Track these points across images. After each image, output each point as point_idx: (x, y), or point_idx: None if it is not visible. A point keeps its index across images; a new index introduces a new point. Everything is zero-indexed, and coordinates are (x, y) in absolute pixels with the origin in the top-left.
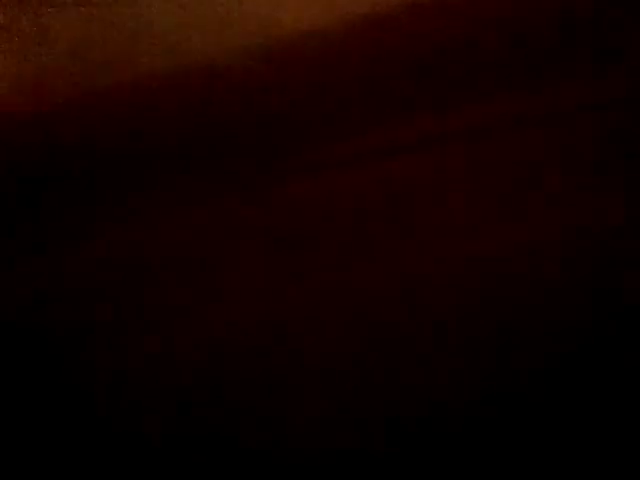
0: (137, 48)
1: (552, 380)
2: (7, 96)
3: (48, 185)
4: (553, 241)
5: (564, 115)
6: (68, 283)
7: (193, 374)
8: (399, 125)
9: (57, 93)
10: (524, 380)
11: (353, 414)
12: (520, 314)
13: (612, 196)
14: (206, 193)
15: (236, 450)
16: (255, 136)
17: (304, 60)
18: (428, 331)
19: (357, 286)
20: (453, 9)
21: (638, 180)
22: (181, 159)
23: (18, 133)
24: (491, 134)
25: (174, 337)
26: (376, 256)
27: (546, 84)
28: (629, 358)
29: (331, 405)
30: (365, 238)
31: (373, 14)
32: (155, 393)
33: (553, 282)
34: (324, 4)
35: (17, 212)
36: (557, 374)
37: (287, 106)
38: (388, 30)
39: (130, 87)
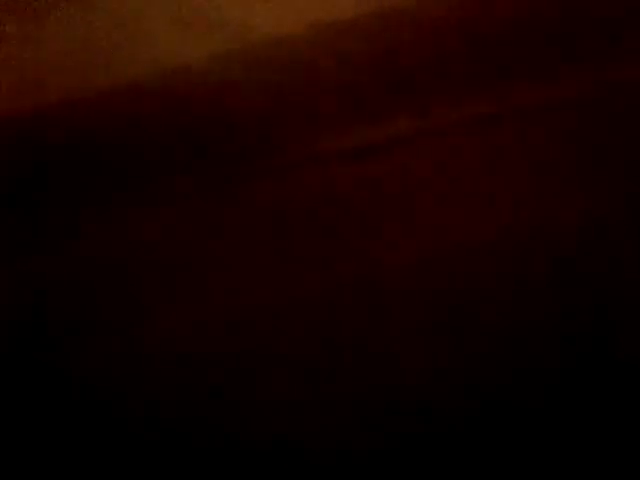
0: (118, 54)
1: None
2: None
3: (31, 186)
4: (520, 241)
5: (531, 115)
6: (50, 281)
7: (168, 369)
8: (370, 127)
9: (38, 98)
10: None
11: (325, 405)
12: (488, 311)
13: (573, 196)
14: (184, 193)
15: (210, 441)
16: (232, 137)
17: (279, 64)
18: (398, 328)
19: (335, 282)
20: (421, 16)
21: (598, 180)
22: (160, 161)
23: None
24: (460, 135)
25: (152, 334)
26: (351, 254)
27: (513, 86)
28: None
29: (305, 399)
30: (341, 237)
31: (344, 21)
32: (129, 388)
33: (520, 281)
34: (299, 11)
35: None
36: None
37: (262, 109)
38: (358, 36)
39: (111, 92)
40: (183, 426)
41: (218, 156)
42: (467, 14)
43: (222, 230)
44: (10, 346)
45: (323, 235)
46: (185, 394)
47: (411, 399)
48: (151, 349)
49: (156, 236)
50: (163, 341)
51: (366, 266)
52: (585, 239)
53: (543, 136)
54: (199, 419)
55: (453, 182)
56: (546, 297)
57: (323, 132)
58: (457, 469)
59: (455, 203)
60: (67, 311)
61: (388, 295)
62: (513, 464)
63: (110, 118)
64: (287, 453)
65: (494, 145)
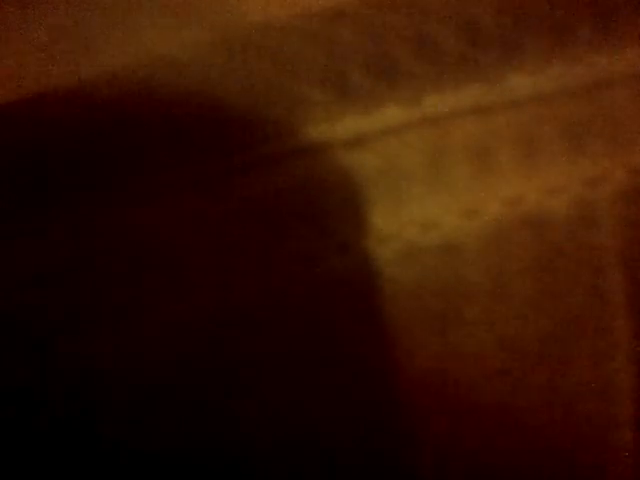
0: (104, 43)
1: None
2: None
3: (17, 174)
4: (510, 230)
5: (525, 104)
6: (40, 270)
7: (150, 365)
8: (359, 117)
9: (22, 86)
10: None
11: (317, 404)
12: (477, 303)
13: (566, 184)
14: (167, 189)
15: (201, 436)
16: (219, 128)
17: (266, 53)
18: (391, 320)
19: (326, 276)
20: (412, 4)
21: (592, 169)
22: (140, 152)
23: None
24: (452, 125)
25: (131, 327)
26: (338, 246)
27: (507, 75)
28: None
29: (295, 397)
30: (331, 229)
31: (333, 8)
32: (122, 378)
33: (510, 271)
34: None
35: None
36: None
37: (249, 99)
38: (347, 24)
39: (91, 83)
40: (181, 423)
41: (204, 148)
42: (457, 4)
43: (209, 225)
44: (5, 339)
45: (312, 228)
46: (181, 390)
47: (406, 395)
48: (147, 346)
49: (142, 232)
50: (160, 338)
51: (358, 259)
52: (576, 227)
53: (537, 125)
54: (196, 417)
55: (445, 172)
56: (537, 283)
57: (311, 122)
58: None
59: (446, 193)
60: (62, 308)
61: (382, 288)
62: None
63: (94, 108)
64: (280, 453)
65: (486, 135)
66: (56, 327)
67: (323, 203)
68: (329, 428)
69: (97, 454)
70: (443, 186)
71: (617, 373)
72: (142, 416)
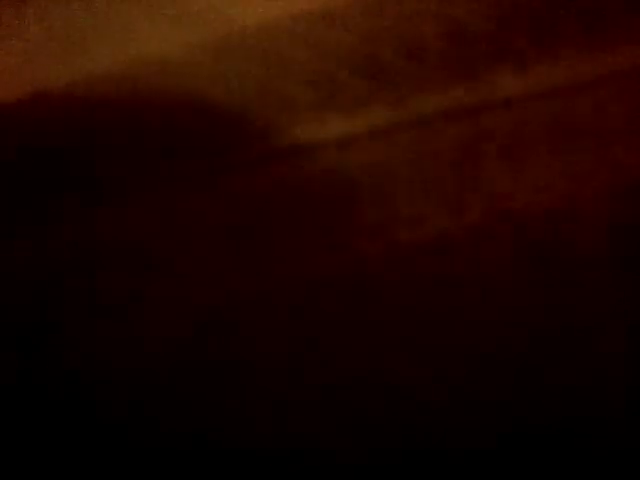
0: (90, 44)
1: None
2: None
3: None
4: (494, 228)
5: (512, 104)
6: (50, 265)
7: (146, 360)
8: (347, 118)
9: (15, 86)
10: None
11: (309, 402)
12: (473, 300)
13: (555, 184)
14: (157, 183)
15: (191, 433)
16: (209, 129)
17: (256, 55)
18: (379, 317)
19: (316, 274)
20: (400, 5)
21: (580, 168)
22: (133, 151)
23: None
24: (438, 126)
25: (126, 322)
26: (327, 245)
27: (494, 75)
28: None
29: (284, 391)
30: (321, 228)
31: (321, 10)
32: (109, 376)
33: (504, 268)
34: (279, 1)
35: None
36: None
37: (239, 100)
38: (335, 26)
39: (82, 82)
40: (181, 422)
41: (194, 148)
42: (446, 1)
43: (202, 225)
44: (9, 330)
45: (303, 227)
46: (181, 390)
47: (398, 392)
48: (147, 346)
49: (122, 225)
50: (160, 338)
51: (347, 257)
52: (565, 226)
53: (523, 125)
54: (196, 417)
55: (432, 172)
56: (525, 279)
57: (300, 122)
58: (452, 467)
59: (434, 193)
60: (67, 296)
61: (371, 286)
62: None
63: (85, 109)
64: (280, 453)
65: (473, 135)
66: (55, 327)
67: (312, 202)
68: (329, 428)
69: (97, 453)
70: (430, 184)
71: (611, 370)
72: (142, 415)
